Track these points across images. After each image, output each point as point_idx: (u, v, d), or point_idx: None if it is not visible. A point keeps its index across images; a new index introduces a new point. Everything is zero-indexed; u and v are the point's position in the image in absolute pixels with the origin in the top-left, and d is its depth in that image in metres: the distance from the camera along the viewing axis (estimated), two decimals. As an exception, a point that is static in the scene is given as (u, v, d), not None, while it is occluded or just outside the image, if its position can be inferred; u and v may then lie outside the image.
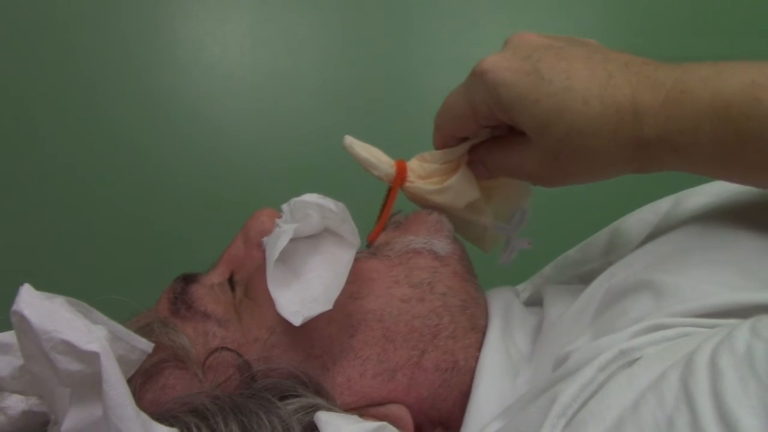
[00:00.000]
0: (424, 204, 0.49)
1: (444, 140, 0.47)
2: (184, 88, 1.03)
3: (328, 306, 0.38)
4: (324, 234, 0.44)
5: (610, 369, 0.31)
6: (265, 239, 0.45)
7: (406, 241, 0.46)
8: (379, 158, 0.47)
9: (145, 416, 0.31)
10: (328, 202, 0.43)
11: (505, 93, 0.40)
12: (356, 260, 0.45)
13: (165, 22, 1.04)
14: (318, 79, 1.07)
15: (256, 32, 1.06)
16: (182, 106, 1.03)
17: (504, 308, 0.46)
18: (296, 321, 0.38)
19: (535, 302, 0.50)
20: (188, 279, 0.44)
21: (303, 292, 0.40)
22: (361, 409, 0.39)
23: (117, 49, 1.01)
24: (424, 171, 0.47)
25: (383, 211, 0.49)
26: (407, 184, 0.47)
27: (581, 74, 0.38)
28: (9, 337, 0.37)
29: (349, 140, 0.47)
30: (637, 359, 0.31)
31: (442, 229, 0.47)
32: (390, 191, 0.48)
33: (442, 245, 0.46)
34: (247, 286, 0.43)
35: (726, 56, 0.36)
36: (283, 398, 0.37)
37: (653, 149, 0.37)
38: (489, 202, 0.50)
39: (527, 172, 0.44)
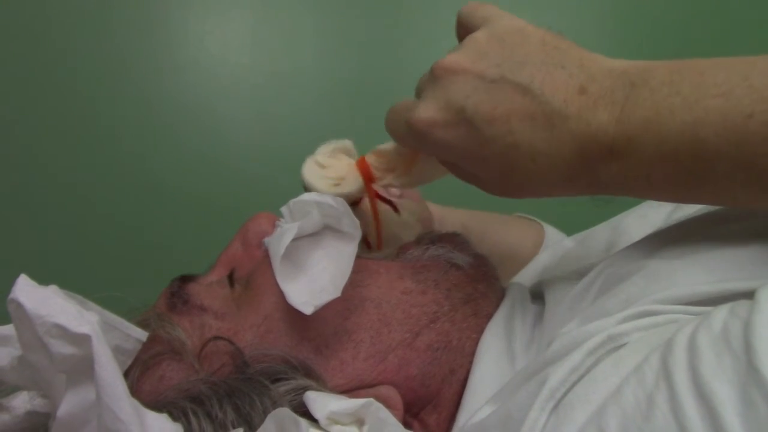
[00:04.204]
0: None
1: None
2: (184, 88, 1.03)
3: (336, 294, 0.39)
4: (324, 231, 0.45)
5: (598, 353, 0.31)
6: (266, 240, 0.46)
7: (426, 249, 0.48)
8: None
9: (135, 401, 0.32)
10: (327, 198, 0.44)
11: (450, 154, 0.40)
12: (372, 260, 0.46)
13: (164, 22, 1.04)
14: (318, 79, 1.07)
15: (256, 32, 1.06)
16: (181, 106, 1.03)
17: (513, 298, 0.47)
18: (307, 310, 0.39)
19: (535, 293, 0.51)
20: (185, 279, 0.46)
21: (310, 284, 0.41)
22: (352, 392, 0.40)
23: (116, 49, 1.01)
24: (386, 164, 0.48)
25: (378, 224, 0.50)
26: (379, 182, 0.48)
27: (522, 128, 0.36)
28: (8, 329, 0.38)
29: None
30: (625, 344, 0.31)
31: (467, 247, 0.49)
32: (369, 195, 0.49)
33: (462, 257, 0.48)
34: (248, 279, 0.44)
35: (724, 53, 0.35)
36: (274, 381, 0.38)
37: (611, 190, 0.38)
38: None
39: (485, 189, 0.42)
